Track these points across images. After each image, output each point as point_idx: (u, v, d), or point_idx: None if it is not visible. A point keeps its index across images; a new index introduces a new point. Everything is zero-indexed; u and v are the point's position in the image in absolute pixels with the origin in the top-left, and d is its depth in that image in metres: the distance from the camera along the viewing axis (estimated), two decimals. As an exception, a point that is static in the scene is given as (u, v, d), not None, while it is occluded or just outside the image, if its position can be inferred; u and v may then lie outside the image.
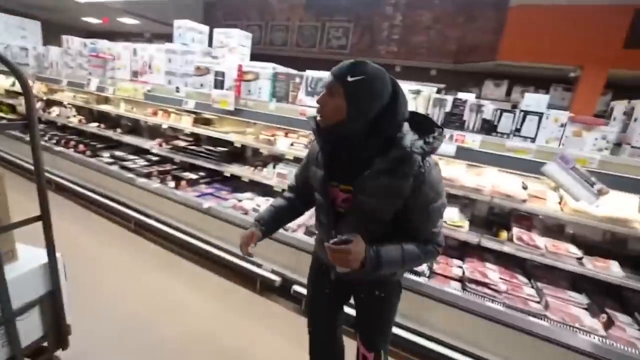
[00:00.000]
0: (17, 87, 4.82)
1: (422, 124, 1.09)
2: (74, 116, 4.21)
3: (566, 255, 1.88)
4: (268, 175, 2.68)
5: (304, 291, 2.21)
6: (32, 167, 1.65)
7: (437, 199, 1.10)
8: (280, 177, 2.57)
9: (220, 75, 2.78)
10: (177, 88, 3.04)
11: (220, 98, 2.69)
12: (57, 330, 1.63)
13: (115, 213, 3.36)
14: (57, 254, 1.53)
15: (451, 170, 2.15)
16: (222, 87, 2.76)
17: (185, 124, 3.14)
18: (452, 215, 2.11)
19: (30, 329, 1.51)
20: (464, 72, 5.55)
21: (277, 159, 2.82)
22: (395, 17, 5.49)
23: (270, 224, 1.36)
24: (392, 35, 5.57)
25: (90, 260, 2.69)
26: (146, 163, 3.43)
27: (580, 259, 1.88)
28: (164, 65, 3.28)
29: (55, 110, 4.39)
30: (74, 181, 3.70)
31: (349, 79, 0.99)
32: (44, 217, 1.43)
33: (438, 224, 1.15)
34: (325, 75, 1.11)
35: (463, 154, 1.91)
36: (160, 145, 3.31)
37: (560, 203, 1.98)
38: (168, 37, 3.61)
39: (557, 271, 2.00)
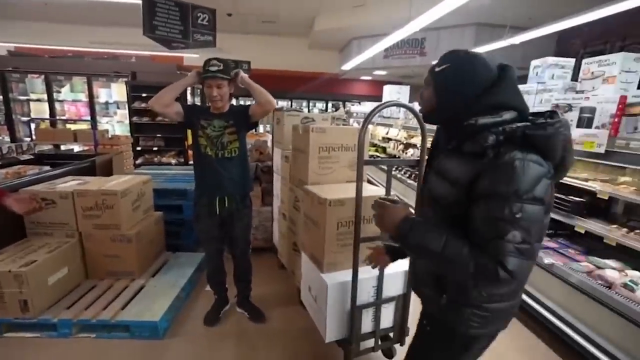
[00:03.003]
0: (390, 135, 6.60)
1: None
2: (422, 156, 5.14)
3: None
4: (655, 244, 1.90)
5: None
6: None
7: (508, 197, 0.82)
8: (683, 249, 1.73)
9: (588, 111, 2.36)
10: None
11: (584, 139, 2.27)
12: (401, 326, 1.99)
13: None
14: (414, 266, 1.86)
15: None
16: (589, 126, 2.32)
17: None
18: None
19: (386, 317, 1.93)
20: None
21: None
22: None
23: None
24: None
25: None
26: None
27: None
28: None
29: (410, 151, 5.57)
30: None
31: (436, 69, 1.00)
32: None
33: (508, 235, 0.81)
34: None
35: None
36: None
37: None
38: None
39: None
